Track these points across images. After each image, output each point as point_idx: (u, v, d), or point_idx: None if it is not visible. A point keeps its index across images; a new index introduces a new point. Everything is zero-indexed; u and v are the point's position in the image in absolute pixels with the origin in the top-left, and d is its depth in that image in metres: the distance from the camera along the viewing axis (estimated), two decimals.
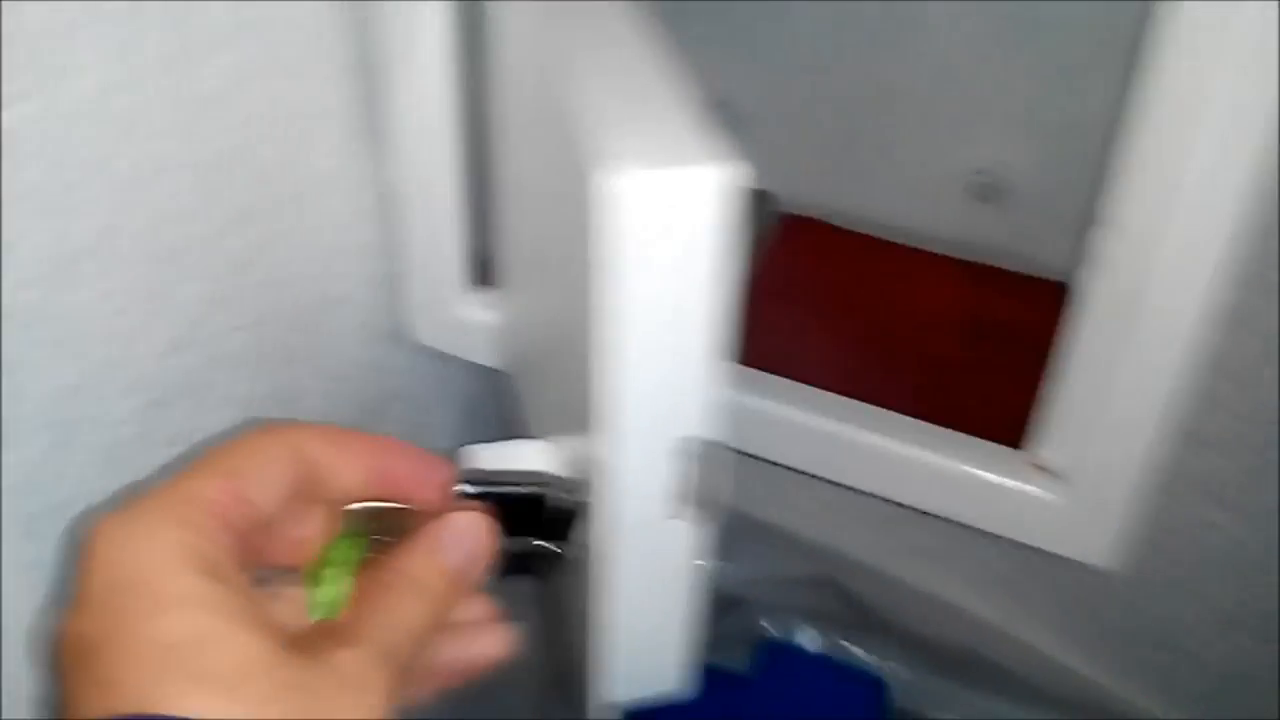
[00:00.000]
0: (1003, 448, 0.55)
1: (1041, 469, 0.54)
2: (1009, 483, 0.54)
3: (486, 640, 0.35)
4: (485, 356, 0.66)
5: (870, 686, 0.86)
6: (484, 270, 0.65)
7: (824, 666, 0.85)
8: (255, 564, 0.32)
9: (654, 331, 0.31)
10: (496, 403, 0.84)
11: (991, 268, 0.71)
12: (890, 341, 0.70)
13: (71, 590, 0.28)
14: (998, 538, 0.84)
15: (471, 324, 0.64)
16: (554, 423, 0.49)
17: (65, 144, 0.42)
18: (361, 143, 0.59)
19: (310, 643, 0.28)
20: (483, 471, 0.38)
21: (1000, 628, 0.86)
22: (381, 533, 0.35)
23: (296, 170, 0.55)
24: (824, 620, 0.87)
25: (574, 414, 0.42)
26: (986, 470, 0.54)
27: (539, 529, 0.37)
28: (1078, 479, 0.53)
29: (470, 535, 0.34)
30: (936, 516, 0.62)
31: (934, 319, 0.71)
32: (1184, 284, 0.46)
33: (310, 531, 0.35)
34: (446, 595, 0.32)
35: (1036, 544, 0.55)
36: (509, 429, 0.88)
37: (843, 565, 0.86)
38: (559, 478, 0.39)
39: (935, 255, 0.73)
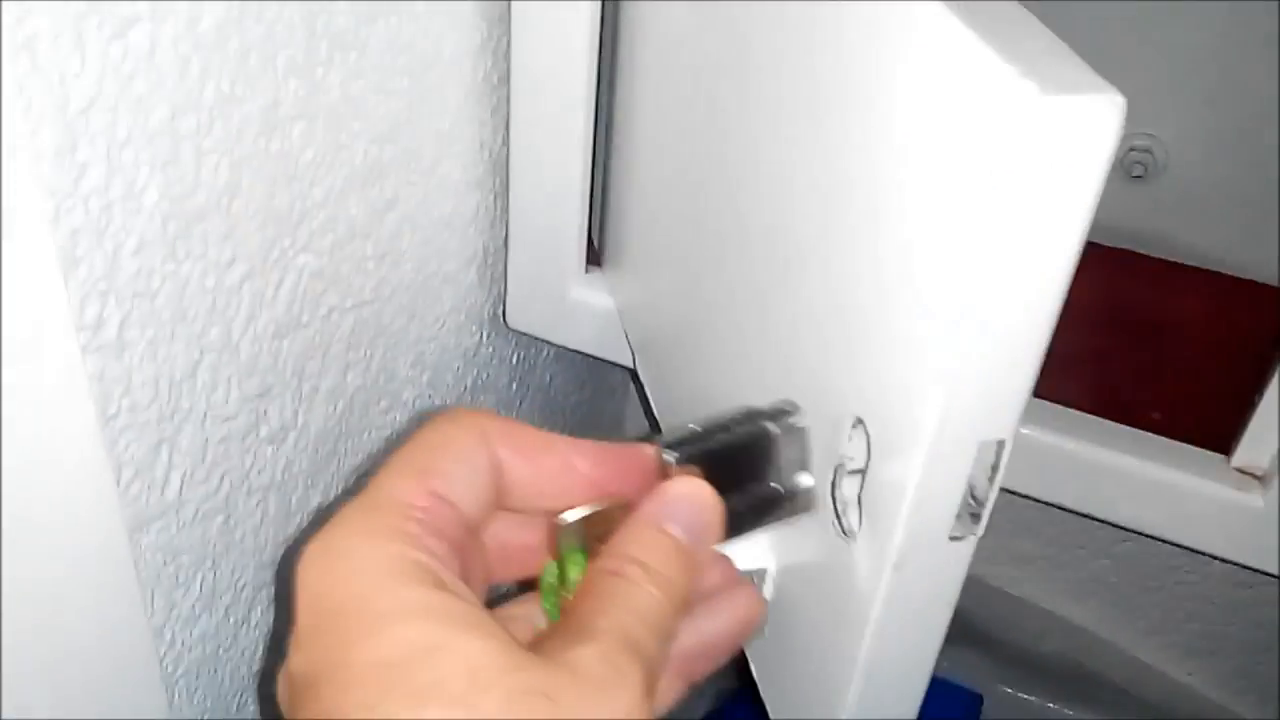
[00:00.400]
0: (1204, 451, 0.49)
1: (1247, 475, 0.48)
2: (1210, 489, 0.48)
3: (733, 606, 0.31)
4: (589, 343, 0.60)
5: (966, 702, 0.81)
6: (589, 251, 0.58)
7: None
8: (469, 577, 0.27)
9: (1005, 292, 0.24)
10: (583, 394, 0.77)
11: (1140, 254, 0.65)
12: None
13: (292, 628, 0.25)
14: (1100, 544, 0.79)
15: (583, 307, 0.57)
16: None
17: (183, 80, 0.35)
18: (479, 100, 0.52)
19: (543, 645, 0.24)
20: (688, 431, 0.32)
21: (1104, 639, 0.81)
22: (602, 539, 0.29)
23: (415, 126, 0.48)
24: None
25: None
26: (1189, 476, 0.49)
27: (766, 473, 0.32)
28: None
29: (691, 501, 0.29)
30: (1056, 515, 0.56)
31: (1078, 308, 0.65)
32: None
33: (520, 540, 0.30)
34: (680, 574, 0.28)
35: (1235, 557, 0.50)
36: (597, 424, 0.81)
37: None
38: (772, 408, 0.33)
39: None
